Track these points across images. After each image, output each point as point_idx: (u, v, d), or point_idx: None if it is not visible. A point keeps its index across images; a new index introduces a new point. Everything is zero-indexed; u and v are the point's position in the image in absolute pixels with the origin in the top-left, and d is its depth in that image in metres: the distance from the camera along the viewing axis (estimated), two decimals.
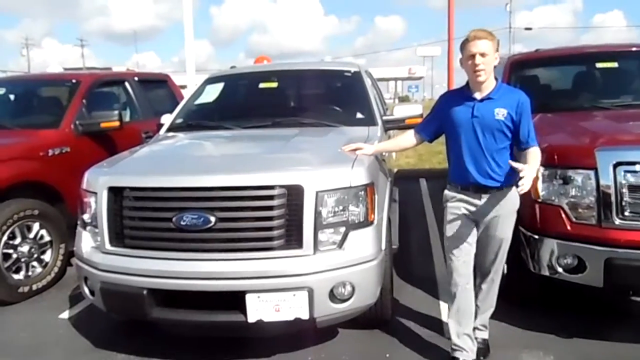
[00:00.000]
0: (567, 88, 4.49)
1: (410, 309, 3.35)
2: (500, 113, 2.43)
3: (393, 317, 3.19)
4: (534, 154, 2.45)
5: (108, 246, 2.63)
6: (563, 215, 2.82)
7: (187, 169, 2.73)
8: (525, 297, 3.26)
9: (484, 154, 2.46)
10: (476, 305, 2.72)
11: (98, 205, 2.65)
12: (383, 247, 2.72)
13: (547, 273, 2.88)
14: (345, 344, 2.96)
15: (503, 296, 3.28)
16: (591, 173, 2.74)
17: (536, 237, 2.90)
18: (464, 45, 2.45)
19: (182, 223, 2.46)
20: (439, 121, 2.67)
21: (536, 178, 2.90)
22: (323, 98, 4.29)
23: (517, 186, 2.26)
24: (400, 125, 3.67)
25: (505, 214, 2.53)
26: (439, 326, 3.09)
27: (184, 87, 7.55)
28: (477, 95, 2.49)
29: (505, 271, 3.35)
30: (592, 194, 2.75)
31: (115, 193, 2.63)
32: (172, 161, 3.03)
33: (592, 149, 2.78)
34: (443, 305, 3.30)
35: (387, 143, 3.23)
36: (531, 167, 2.35)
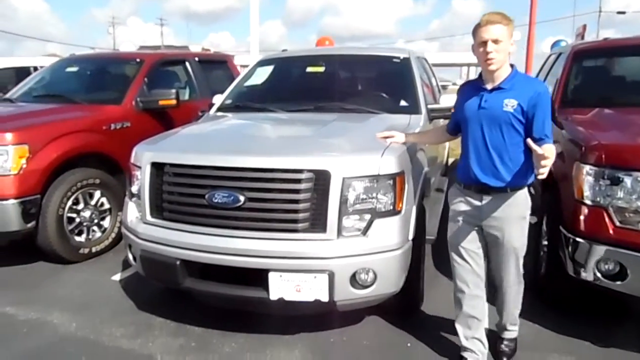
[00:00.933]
0: (636, 81, 4.14)
1: (441, 301, 3.30)
2: (510, 104, 2.24)
3: (421, 308, 3.18)
4: (549, 152, 2.19)
5: (149, 217, 2.82)
6: (607, 218, 2.64)
7: (221, 149, 2.85)
8: (562, 300, 3.12)
9: (488, 150, 2.30)
10: (501, 310, 2.65)
11: (142, 178, 2.85)
12: (410, 237, 2.71)
13: (585, 277, 2.73)
14: (368, 330, 3.00)
15: (538, 296, 3.19)
16: None
17: (576, 238, 2.75)
18: (475, 31, 2.26)
19: (214, 200, 2.58)
20: (456, 114, 2.56)
21: (581, 176, 2.75)
22: (368, 84, 4.26)
23: (536, 175, 2.11)
24: (445, 114, 3.56)
25: (510, 220, 2.36)
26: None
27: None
28: (489, 85, 2.32)
29: (543, 271, 3.24)
30: None
31: (157, 168, 2.81)
32: (210, 141, 3.18)
33: None
34: None
35: (420, 135, 3.10)
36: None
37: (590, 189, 2.71)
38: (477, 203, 2.40)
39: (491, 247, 2.48)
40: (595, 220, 2.69)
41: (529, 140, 2.17)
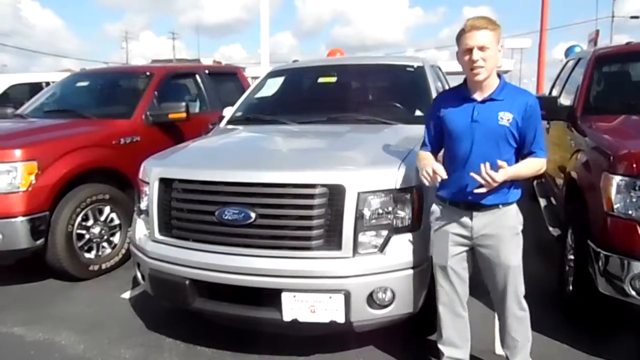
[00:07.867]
0: None
1: None
2: (505, 118, 2.10)
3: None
4: (529, 161, 2.16)
5: (157, 235, 2.73)
6: None
7: (231, 164, 2.76)
8: (592, 318, 2.95)
9: (478, 165, 2.07)
10: (505, 340, 2.45)
11: (150, 195, 2.76)
12: (429, 253, 2.57)
13: (618, 295, 2.57)
14: (386, 351, 2.86)
15: (564, 313, 3.03)
16: None
17: (606, 254, 2.59)
18: (459, 37, 2.10)
19: (224, 217, 2.48)
20: (438, 128, 2.32)
21: (609, 186, 2.60)
22: (382, 94, 4.15)
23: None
24: None
25: (505, 238, 2.21)
26: (490, 341, 2.88)
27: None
28: (477, 96, 2.16)
29: (570, 287, 3.08)
30: None
31: (166, 184, 2.72)
32: (220, 155, 3.09)
33: None
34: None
35: None
36: (512, 168, 2.09)
37: (621, 201, 2.56)
38: (467, 221, 2.23)
39: (486, 270, 2.32)
40: (627, 234, 2.53)
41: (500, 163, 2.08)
